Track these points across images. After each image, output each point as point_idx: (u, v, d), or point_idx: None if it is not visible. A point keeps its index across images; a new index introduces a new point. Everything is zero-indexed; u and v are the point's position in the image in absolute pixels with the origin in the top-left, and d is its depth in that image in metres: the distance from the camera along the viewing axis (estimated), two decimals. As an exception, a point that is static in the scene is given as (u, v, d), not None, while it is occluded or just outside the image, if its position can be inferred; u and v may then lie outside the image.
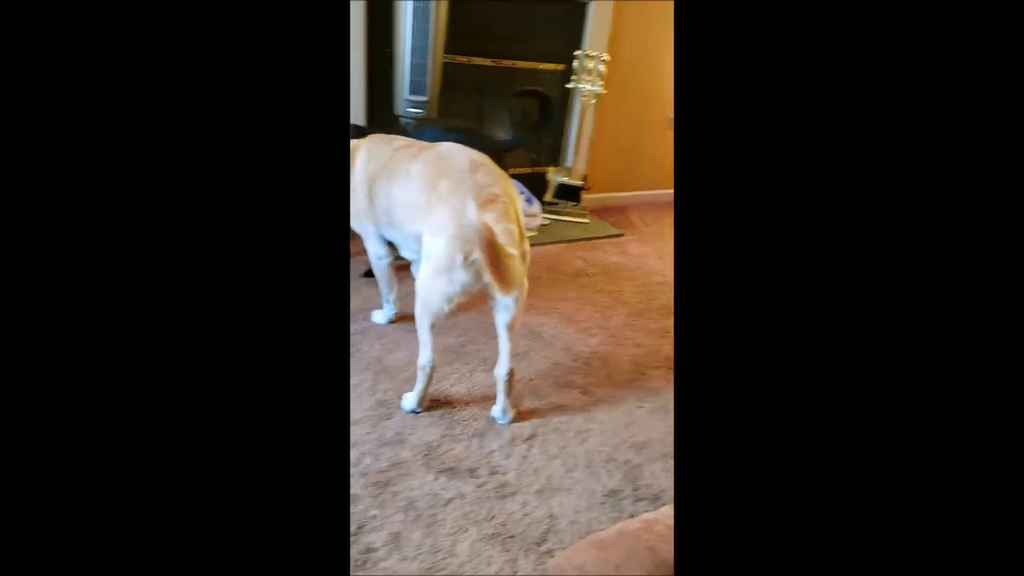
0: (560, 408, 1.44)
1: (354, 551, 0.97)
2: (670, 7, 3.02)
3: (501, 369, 1.31)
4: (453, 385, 1.47)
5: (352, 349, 1.57)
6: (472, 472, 1.19)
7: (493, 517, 1.08)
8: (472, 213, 1.14)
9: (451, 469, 1.19)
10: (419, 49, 2.15)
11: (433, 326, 1.26)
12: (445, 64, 2.29)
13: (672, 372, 1.67)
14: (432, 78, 2.22)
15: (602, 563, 0.69)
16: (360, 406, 1.34)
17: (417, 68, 2.17)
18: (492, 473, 1.19)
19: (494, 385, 1.48)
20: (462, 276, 1.15)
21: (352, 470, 1.15)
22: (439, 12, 2.12)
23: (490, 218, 1.11)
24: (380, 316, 1.71)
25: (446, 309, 1.21)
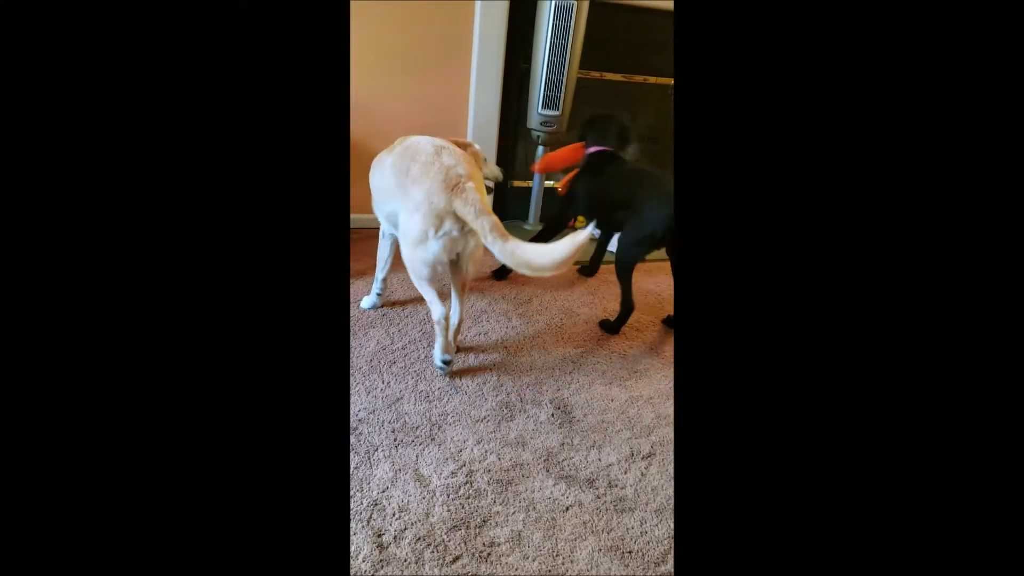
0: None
1: (478, 543, 1.03)
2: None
3: (455, 318, 1.54)
4: (572, 395, 1.49)
5: (475, 353, 1.65)
6: (590, 483, 1.20)
7: (611, 530, 1.09)
8: (440, 191, 1.32)
9: (570, 477, 1.21)
10: (555, 64, 2.21)
11: (430, 284, 1.43)
12: (578, 79, 2.33)
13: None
14: (565, 93, 2.27)
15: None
16: (484, 405, 1.41)
17: (552, 82, 2.24)
18: (610, 486, 1.20)
19: (614, 401, 1.49)
20: (435, 246, 1.35)
21: (477, 465, 1.21)
22: (577, 30, 2.18)
23: (460, 195, 1.31)
24: (366, 302, 1.82)
25: (427, 273, 1.40)
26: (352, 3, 2.16)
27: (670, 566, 1.03)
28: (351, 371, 1.49)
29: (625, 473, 1.25)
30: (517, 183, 2.70)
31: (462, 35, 2.33)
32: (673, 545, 1.08)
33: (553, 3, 2.12)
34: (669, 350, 1.78)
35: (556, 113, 2.30)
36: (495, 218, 1.28)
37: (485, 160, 1.81)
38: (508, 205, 2.73)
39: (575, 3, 2.12)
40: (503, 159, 2.60)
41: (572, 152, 2.01)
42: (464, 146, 1.69)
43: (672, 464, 1.29)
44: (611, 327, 1.83)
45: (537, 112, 2.31)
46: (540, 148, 2.43)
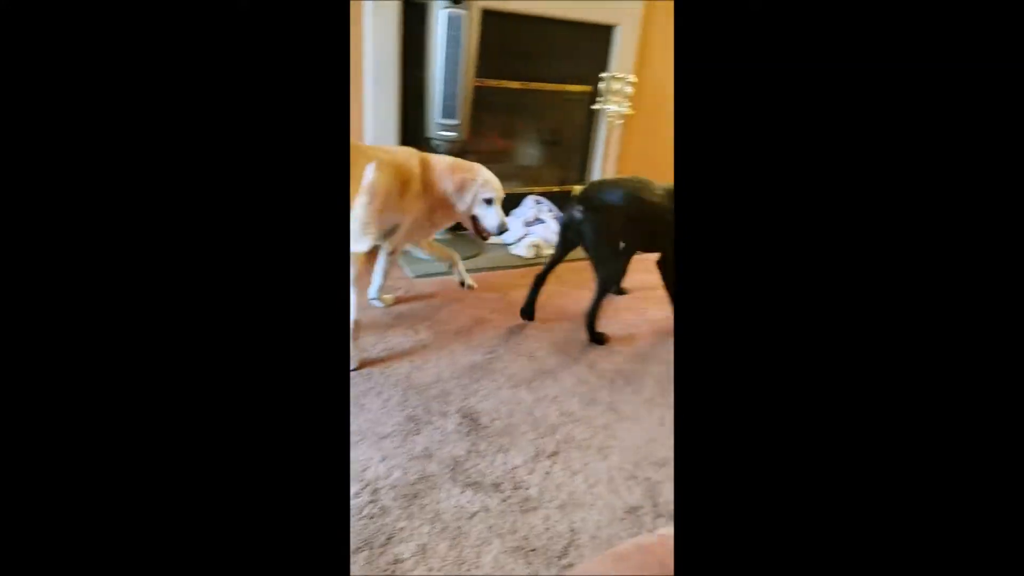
0: (584, 424, 1.47)
1: (383, 561, 1.02)
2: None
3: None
4: (480, 402, 1.51)
5: (383, 366, 1.63)
6: (497, 487, 1.23)
7: (516, 531, 1.12)
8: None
9: (476, 483, 1.23)
10: (450, 73, 2.23)
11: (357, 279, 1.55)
12: (476, 88, 2.36)
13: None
14: (463, 101, 2.30)
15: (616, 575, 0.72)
16: (390, 420, 1.40)
17: (449, 92, 2.26)
18: (516, 488, 1.23)
19: (521, 403, 1.52)
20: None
21: (382, 483, 1.21)
22: (470, 38, 2.21)
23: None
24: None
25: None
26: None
27: (571, 558, 1.07)
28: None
29: (530, 473, 1.28)
30: (423, 192, 2.69)
31: (351, 46, 2.30)
32: (572, 540, 1.13)
33: (444, 12, 2.14)
34: (576, 348, 1.84)
35: (455, 121, 2.32)
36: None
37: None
38: (415, 214, 2.73)
39: (465, 12, 2.15)
40: (406, 169, 2.59)
41: None
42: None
43: (575, 459, 1.34)
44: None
45: (436, 121, 2.31)
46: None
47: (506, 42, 2.54)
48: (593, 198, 1.76)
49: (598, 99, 2.75)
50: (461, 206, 1.83)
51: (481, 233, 1.88)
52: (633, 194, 1.73)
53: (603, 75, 2.70)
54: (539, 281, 1.93)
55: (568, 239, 1.85)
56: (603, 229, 1.75)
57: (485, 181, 1.83)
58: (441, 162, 1.83)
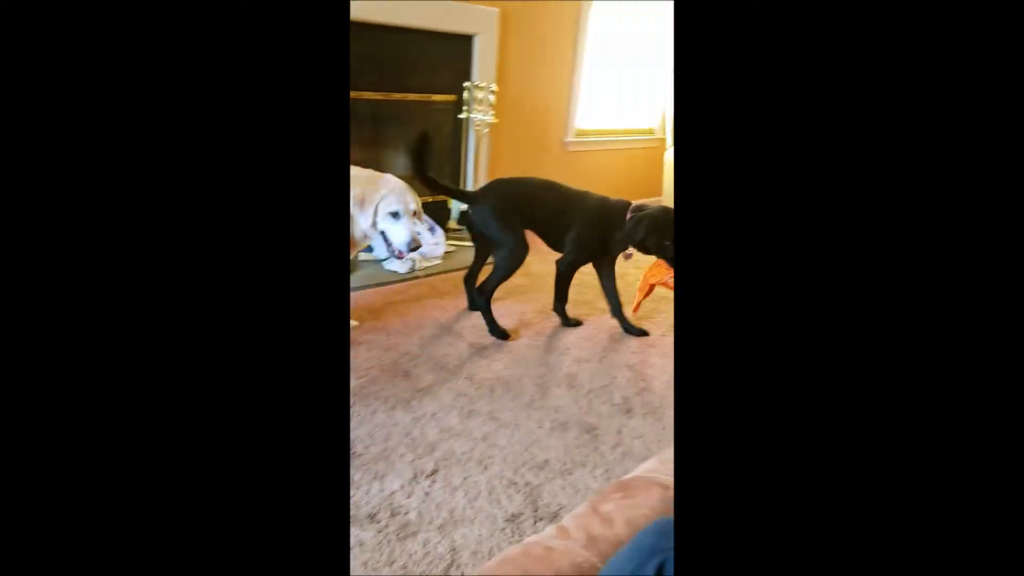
0: (464, 437, 1.46)
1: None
2: (553, 40, 3.18)
3: None
4: (354, 429, 1.45)
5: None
6: (372, 517, 1.18)
7: (394, 561, 1.08)
8: None
9: (350, 518, 1.18)
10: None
11: None
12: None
13: (572, 388, 1.74)
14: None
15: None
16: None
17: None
18: (393, 515, 1.19)
19: (398, 425, 1.48)
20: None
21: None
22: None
23: None
24: None
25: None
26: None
27: (452, 580, 1.05)
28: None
29: (409, 497, 1.25)
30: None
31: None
32: (453, 560, 1.11)
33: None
34: (454, 361, 1.83)
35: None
36: None
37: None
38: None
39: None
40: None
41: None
42: None
43: (455, 475, 1.33)
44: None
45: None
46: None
47: (367, 53, 2.48)
48: (484, 193, 2.01)
49: (464, 108, 2.76)
50: (363, 223, 1.70)
51: (394, 252, 1.75)
52: (513, 185, 2.04)
53: (466, 84, 2.72)
54: (470, 280, 2.16)
55: (476, 234, 2.08)
56: (497, 215, 1.95)
57: (390, 191, 1.70)
58: (357, 175, 1.72)
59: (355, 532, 1.14)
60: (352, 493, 1.24)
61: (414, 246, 1.72)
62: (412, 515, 1.20)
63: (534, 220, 2.00)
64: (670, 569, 0.53)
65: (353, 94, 2.51)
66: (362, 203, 1.69)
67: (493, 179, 2.07)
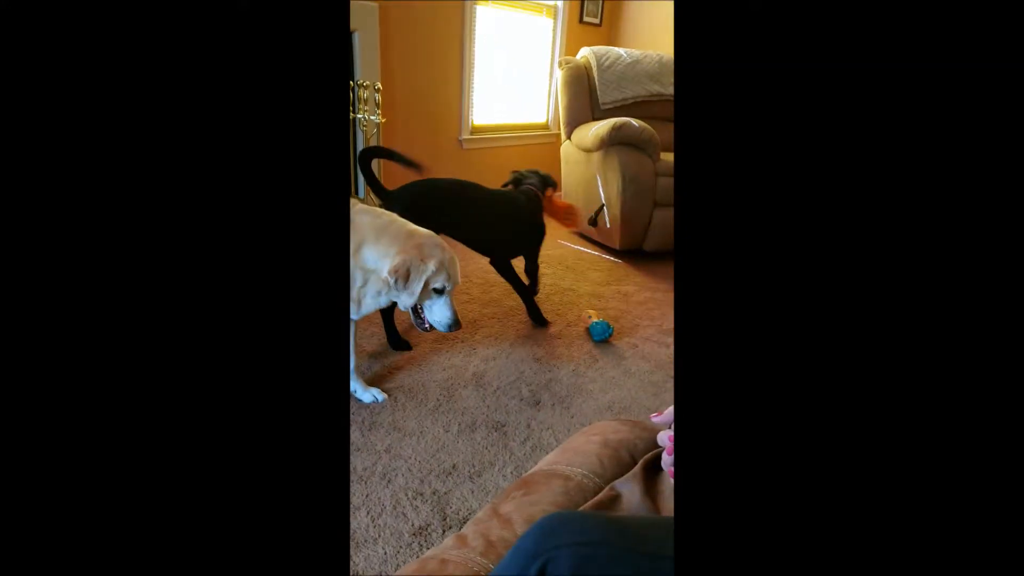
0: (365, 452, 1.37)
1: None
2: (440, 34, 3.12)
3: None
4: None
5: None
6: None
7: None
8: None
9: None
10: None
11: None
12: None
13: (479, 387, 1.70)
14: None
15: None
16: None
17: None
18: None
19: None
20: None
21: None
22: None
23: None
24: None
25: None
26: None
27: (354, 607, 0.98)
28: None
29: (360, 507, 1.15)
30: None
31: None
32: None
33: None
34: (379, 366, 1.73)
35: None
36: None
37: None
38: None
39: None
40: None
41: None
42: None
43: (355, 494, 1.24)
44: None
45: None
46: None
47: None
48: (396, 196, 1.84)
49: (349, 108, 2.64)
50: (405, 301, 1.40)
51: (422, 325, 1.49)
52: (422, 187, 1.93)
53: (350, 83, 2.61)
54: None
55: None
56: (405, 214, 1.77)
57: (439, 265, 1.39)
58: (387, 227, 1.39)
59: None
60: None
61: (454, 327, 1.46)
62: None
63: (448, 224, 1.89)
64: (553, 568, 0.50)
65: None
66: (407, 279, 1.35)
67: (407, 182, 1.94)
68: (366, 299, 1.44)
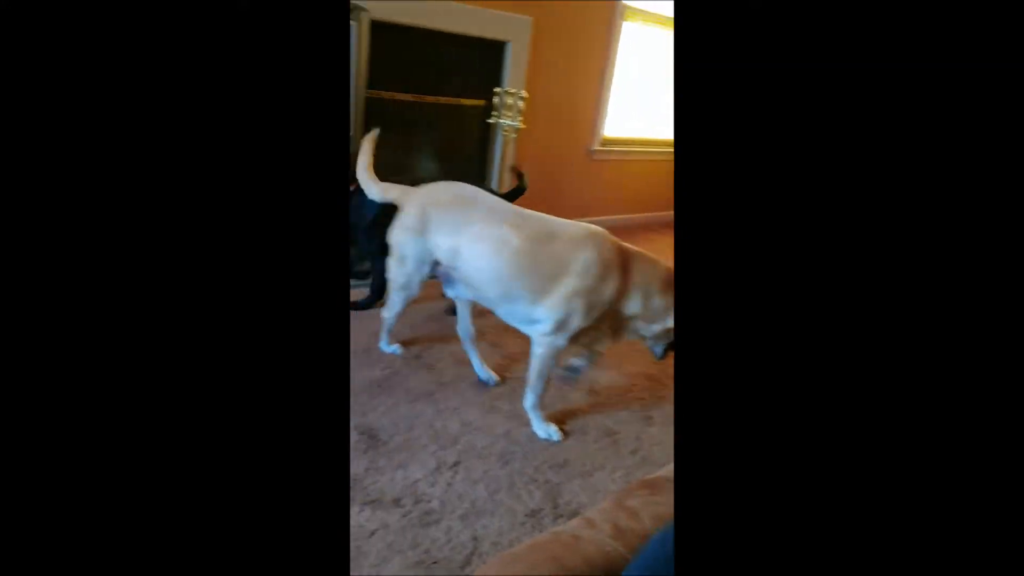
0: (485, 432, 1.48)
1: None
2: (585, 47, 3.22)
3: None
4: (379, 417, 1.48)
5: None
6: (397, 502, 1.21)
7: (418, 544, 1.11)
8: None
9: (375, 501, 1.20)
10: (340, 85, 2.18)
11: None
12: (367, 99, 2.33)
13: (591, 396, 1.75)
14: (354, 111, 2.25)
15: (509, 576, 0.73)
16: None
17: (339, 103, 2.20)
18: (417, 502, 1.22)
19: (420, 416, 1.51)
20: None
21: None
22: (360, 49, 2.17)
23: None
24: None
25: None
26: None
27: (474, 567, 1.07)
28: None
29: (432, 486, 1.27)
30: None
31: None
32: (475, 548, 1.13)
33: (331, 23, 2.09)
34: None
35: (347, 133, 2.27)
36: None
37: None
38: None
39: (354, 23, 2.12)
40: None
41: None
42: None
43: (476, 468, 1.35)
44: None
45: (327, 132, 2.25)
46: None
47: (397, 54, 2.53)
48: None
49: (493, 113, 2.80)
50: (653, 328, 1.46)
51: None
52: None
53: (497, 90, 2.77)
54: None
55: None
56: None
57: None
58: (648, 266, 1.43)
59: (380, 515, 1.16)
60: (376, 479, 1.27)
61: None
62: (435, 503, 1.22)
63: None
64: None
65: (383, 94, 2.56)
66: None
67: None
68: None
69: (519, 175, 2.19)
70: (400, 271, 1.57)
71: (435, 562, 1.08)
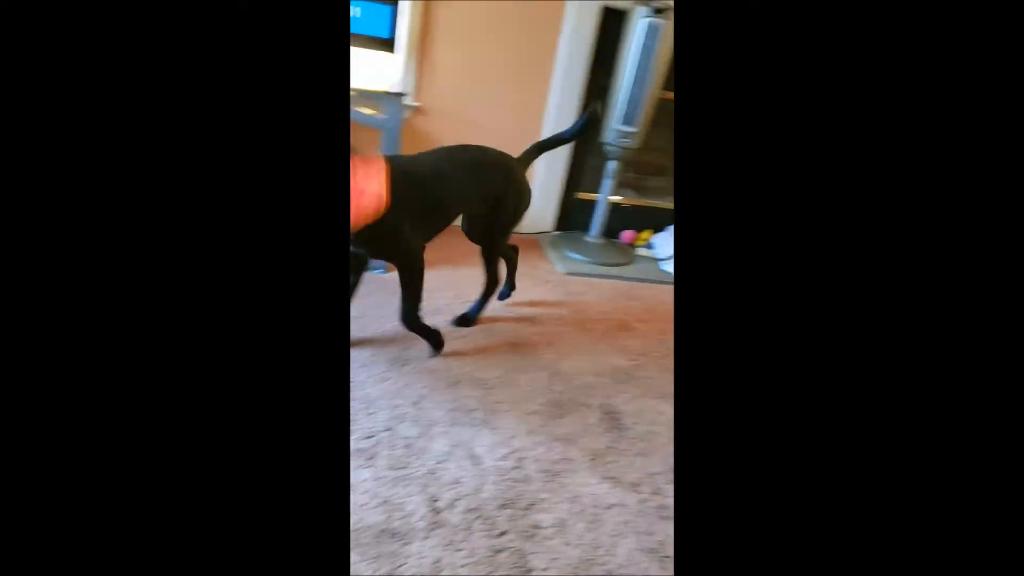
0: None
1: (524, 523, 1.07)
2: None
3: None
4: (623, 404, 1.52)
5: (532, 350, 1.70)
6: (635, 486, 1.23)
7: (652, 533, 1.12)
8: None
9: (614, 478, 1.24)
10: (639, 81, 2.26)
11: None
12: (660, 100, 2.37)
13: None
14: (645, 111, 2.31)
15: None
16: (536, 399, 1.46)
17: (633, 99, 2.28)
18: (654, 493, 1.22)
19: (663, 415, 1.51)
20: None
21: (527, 454, 1.26)
22: (664, 49, 2.22)
23: None
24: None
25: None
26: (438, 2, 2.26)
27: (708, 577, 1.05)
28: (414, 354, 1.57)
29: (668, 483, 1.27)
30: (583, 195, 2.75)
31: (547, 44, 2.41)
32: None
33: (644, 21, 2.17)
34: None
35: (633, 129, 2.34)
36: None
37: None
38: (572, 216, 2.78)
39: (665, 22, 2.16)
40: (573, 170, 2.66)
41: None
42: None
43: (716, 482, 1.31)
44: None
45: (614, 127, 2.35)
46: (610, 163, 2.47)
47: (697, 58, 2.51)
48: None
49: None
50: None
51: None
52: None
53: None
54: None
55: None
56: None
57: None
58: None
59: (618, 494, 1.20)
60: (617, 459, 1.31)
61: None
62: (671, 501, 1.21)
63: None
64: None
65: (672, 95, 2.57)
66: None
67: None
68: None
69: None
70: None
71: (667, 556, 1.07)
